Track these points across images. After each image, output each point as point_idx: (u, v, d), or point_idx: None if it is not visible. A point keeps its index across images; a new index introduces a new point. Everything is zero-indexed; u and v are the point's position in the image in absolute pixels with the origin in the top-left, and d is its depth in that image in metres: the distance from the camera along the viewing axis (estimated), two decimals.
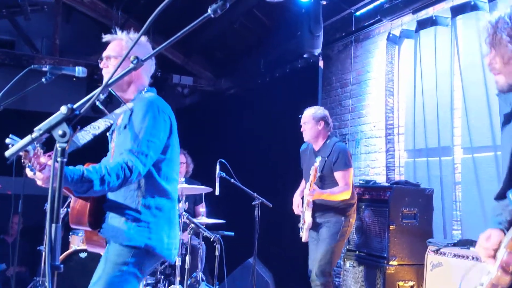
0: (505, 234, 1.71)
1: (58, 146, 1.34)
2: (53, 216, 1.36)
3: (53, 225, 1.35)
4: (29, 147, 2.03)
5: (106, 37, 2.58)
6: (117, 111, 2.42)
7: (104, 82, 2.53)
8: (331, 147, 4.21)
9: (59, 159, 1.34)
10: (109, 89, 2.51)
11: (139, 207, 2.38)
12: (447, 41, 4.57)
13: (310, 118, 4.30)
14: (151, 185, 2.42)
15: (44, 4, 4.80)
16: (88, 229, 2.41)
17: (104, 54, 2.56)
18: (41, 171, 2.06)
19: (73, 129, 1.34)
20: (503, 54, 1.71)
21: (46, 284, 4.44)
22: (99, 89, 1.35)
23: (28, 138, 1.39)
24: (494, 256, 1.71)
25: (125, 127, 2.40)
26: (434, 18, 4.68)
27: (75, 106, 1.35)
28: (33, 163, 2.04)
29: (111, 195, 2.42)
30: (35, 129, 1.37)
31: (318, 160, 4.13)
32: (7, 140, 1.90)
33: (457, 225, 4.38)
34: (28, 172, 2.09)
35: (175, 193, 2.55)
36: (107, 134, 2.62)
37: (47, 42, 7.73)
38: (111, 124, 2.48)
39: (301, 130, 4.36)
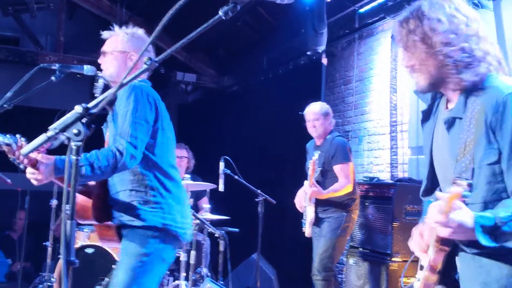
0: None
1: (73, 144, 1.37)
2: (65, 212, 1.39)
3: (68, 221, 1.38)
4: (11, 141, 2.05)
5: (104, 34, 2.68)
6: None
7: (101, 74, 2.61)
8: (330, 142, 4.26)
9: (74, 157, 1.37)
10: (105, 82, 2.57)
11: (148, 190, 2.43)
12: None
13: (320, 114, 4.33)
14: (153, 168, 2.46)
15: (49, 1, 4.82)
16: (94, 222, 2.44)
17: (102, 49, 2.66)
18: (35, 166, 2.10)
19: (87, 128, 1.37)
20: (419, 55, 1.69)
21: (52, 279, 4.46)
22: (113, 89, 1.38)
23: (43, 137, 1.42)
24: (427, 251, 1.74)
25: (113, 115, 2.44)
26: None
27: (89, 105, 1.37)
28: (17, 156, 2.07)
29: (116, 184, 2.46)
30: (50, 127, 1.40)
31: (317, 154, 4.17)
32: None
33: None
34: (28, 174, 2.12)
35: (178, 177, 2.58)
36: (102, 127, 2.67)
37: (51, 39, 7.76)
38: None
39: (311, 126, 4.35)
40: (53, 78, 2.45)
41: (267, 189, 4.94)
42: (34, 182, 2.16)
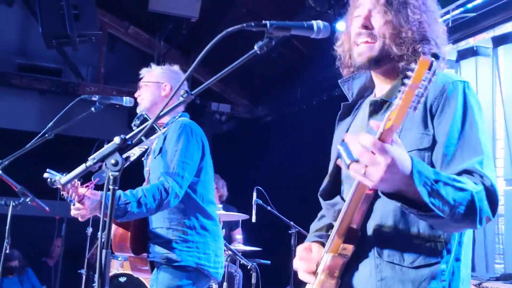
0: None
1: (110, 174, 1.40)
2: (101, 241, 1.41)
3: (104, 251, 1.40)
4: None
5: (142, 72, 2.83)
6: (152, 137, 2.53)
7: (138, 108, 2.72)
8: None
9: (111, 187, 1.40)
10: (145, 115, 2.66)
11: (185, 229, 2.47)
12: (489, 71, 4.51)
13: None
14: (193, 206, 2.51)
15: (92, 35, 5.04)
16: (131, 255, 2.48)
17: (139, 84, 2.81)
18: (80, 201, 2.16)
19: (125, 159, 1.40)
20: (384, 16, 1.47)
21: None
22: (151, 121, 1.42)
23: (82, 167, 1.46)
24: (315, 273, 1.50)
25: (160, 151, 2.49)
26: (475, 48, 4.63)
27: (127, 136, 1.41)
28: (71, 194, 2.14)
29: (155, 220, 2.50)
30: (89, 158, 1.44)
31: None
32: (45, 175, 1.98)
33: (500, 258, 4.24)
34: (73, 211, 2.18)
35: (215, 214, 2.61)
36: (142, 159, 2.73)
37: (92, 70, 8.03)
38: (146, 150, 2.59)
39: None
40: (92, 109, 2.54)
41: (301, 220, 4.89)
42: (79, 218, 2.21)
